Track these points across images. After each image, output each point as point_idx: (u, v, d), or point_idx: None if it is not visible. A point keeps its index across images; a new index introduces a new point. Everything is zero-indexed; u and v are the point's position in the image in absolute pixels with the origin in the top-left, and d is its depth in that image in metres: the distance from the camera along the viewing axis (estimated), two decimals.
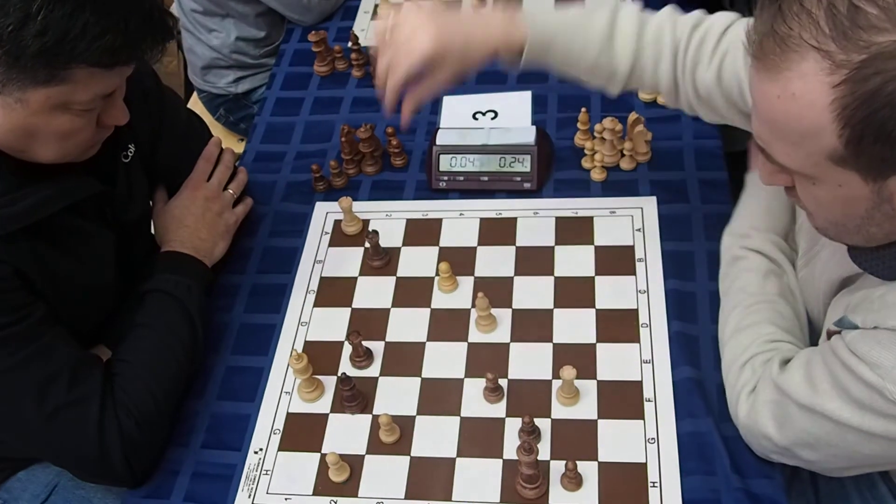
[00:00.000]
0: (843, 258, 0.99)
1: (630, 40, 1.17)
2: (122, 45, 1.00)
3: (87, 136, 1.11)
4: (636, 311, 1.30)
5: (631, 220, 1.43)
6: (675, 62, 1.17)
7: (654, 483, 1.12)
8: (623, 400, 1.21)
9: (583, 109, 1.54)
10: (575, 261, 1.38)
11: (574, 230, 1.43)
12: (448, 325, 1.33)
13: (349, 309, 1.38)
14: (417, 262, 1.43)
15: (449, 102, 1.69)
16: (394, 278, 1.41)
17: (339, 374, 1.25)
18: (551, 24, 1.17)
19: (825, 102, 0.77)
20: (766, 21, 0.81)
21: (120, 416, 1.16)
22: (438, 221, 1.49)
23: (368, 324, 1.35)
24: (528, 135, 1.51)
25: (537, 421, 1.18)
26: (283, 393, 1.29)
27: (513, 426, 1.20)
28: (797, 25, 0.78)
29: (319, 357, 1.30)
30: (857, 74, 0.74)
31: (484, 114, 1.66)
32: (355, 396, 1.25)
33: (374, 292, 1.40)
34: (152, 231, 1.46)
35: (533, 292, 1.35)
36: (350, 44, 1.79)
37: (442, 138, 1.54)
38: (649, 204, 1.45)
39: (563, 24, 1.17)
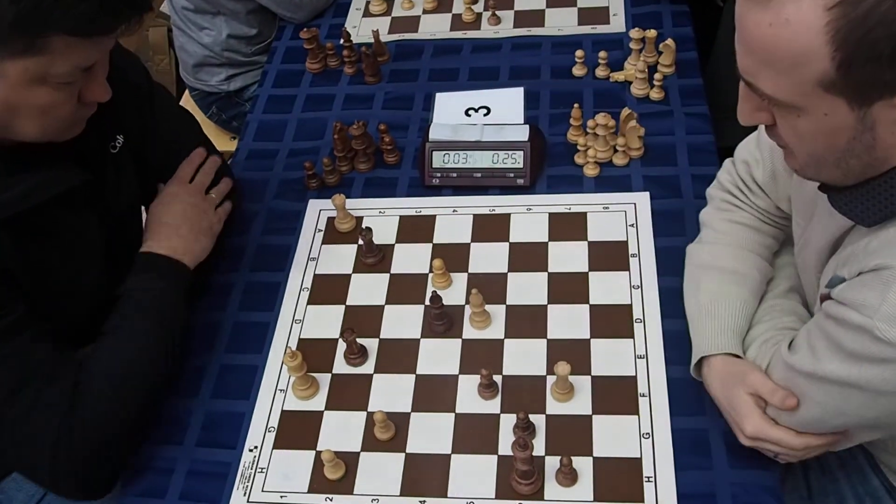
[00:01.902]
0: (828, 222, 1.00)
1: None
2: (98, 13, 0.99)
3: (68, 111, 1.10)
4: (630, 306, 1.31)
5: (624, 216, 1.43)
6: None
7: (648, 478, 1.12)
8: (617, 395, 1.21)
9: (575, 105, 1.55)
10: (568, 257, 1.39)
11: (567, 226, 1.43)
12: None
13: (343, 306, 1.38)
14: (411, 258, 1.43)
15: (441, 99, 1.69)
16: (387, 275, 1.41)
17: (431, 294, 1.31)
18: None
19: (820, 25, 0.78)
20: None
21: (76, 433, 1.13)
22: (432, 218, 1.49)
23: (362, 321, 1.35)
24: (520, 131, 1.51)
25: (532, 417, 1.18)
26: (277, 391, 1.29)
27: (507, 422, 1.20)
28: None
29: (313, 355, 1.30)
30: None
31: (476, 110, 1.66)
32: (442, 316, 1.29)
33: (367, 289, 1.40)
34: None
35: (527, 288, 1.35)
36: (342, 41, 1.79)
37: (435, 135, 1.54)
38: (642, 199, 1.45)
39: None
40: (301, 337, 1.35)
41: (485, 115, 1.64)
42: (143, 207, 1.45)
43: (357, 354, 1.30)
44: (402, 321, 1.35)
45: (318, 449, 1.22)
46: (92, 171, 1.22)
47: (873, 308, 0.88)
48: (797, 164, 0.96)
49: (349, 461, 1.19)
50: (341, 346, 1.32)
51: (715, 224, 1.27)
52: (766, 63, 0.85)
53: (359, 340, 1.30)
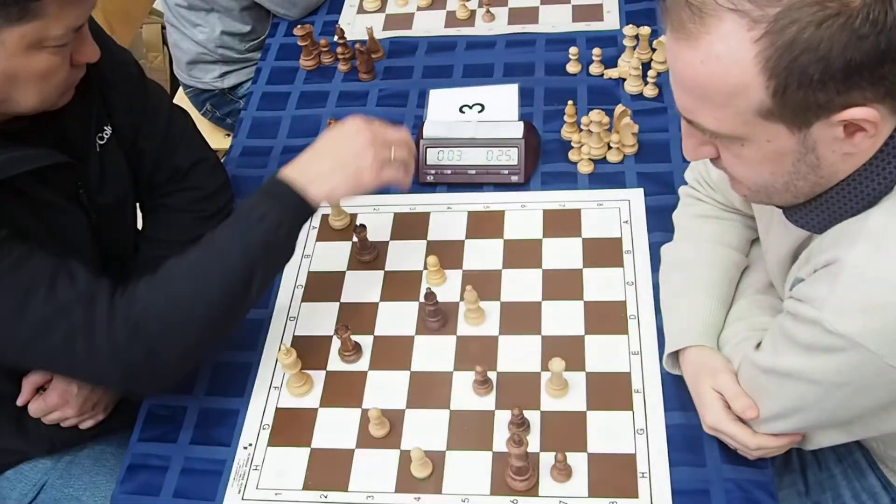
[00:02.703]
0: (786, 231, 1.02)
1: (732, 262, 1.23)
2: None
3: (63, 75, 1.10)
4: (624, 302, 1.31)
5: (618, 213, 1.43)
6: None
7: (643, 474, 1.12)
8: (612, 391, 1.21)
9: (569, 102, 1.54)
10: (563, 253, 1.39)
11: (562, 223, 1.43)
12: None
13: (337, 303, 1.38)
14: (405, 255, 1.43)
15: (436, 96, 1.69)
16: (382, 272, 1.41)
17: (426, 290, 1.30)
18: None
19: (749, 57, 0.80)
20: None
21: (116, 326, 1.09)
22: (426, 215, 1.48)
23: (357, 318, 1.35)
24: (515, 128, 1.51)
25: (527, 413, 1.18)
26: (271, 388, 1.29)
27: (502, 418, 1.20)
28: None
29: (308, 352, 1.30)
30: (775, 26, 0.78)
31: (471, 107, 1.66)
32: (437, 312, 1.29)
33: (362, 286, 1.40)
34: (139, 225, 1.45)
35: (521, 285, 1.35)
36: (336, 37, 1.79)
37: (429, 132, 1.54)
38: (636, 196, 1.45)
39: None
40: (295, 334, 1.35)
41: (479, 112, 1.64)
42: (137, 204, 1.45)
43: (351, 351, 1.30)
44: (397, 318, 1.35)
45: (312, 446, 1.21)
46: (74, 158, 1.21)
47: (823, 300, 0.89)
48: (746, 191, 0.98)
49: (344, 458, 1.19)
50: (336, 343, 1.32)
51: (681, 221, 1.30)
52: (703, 100, 0.87)
53: (353, 337, 1.30)
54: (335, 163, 1.22)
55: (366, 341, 1.32)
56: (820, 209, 0.93)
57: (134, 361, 1.11)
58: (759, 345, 1.06)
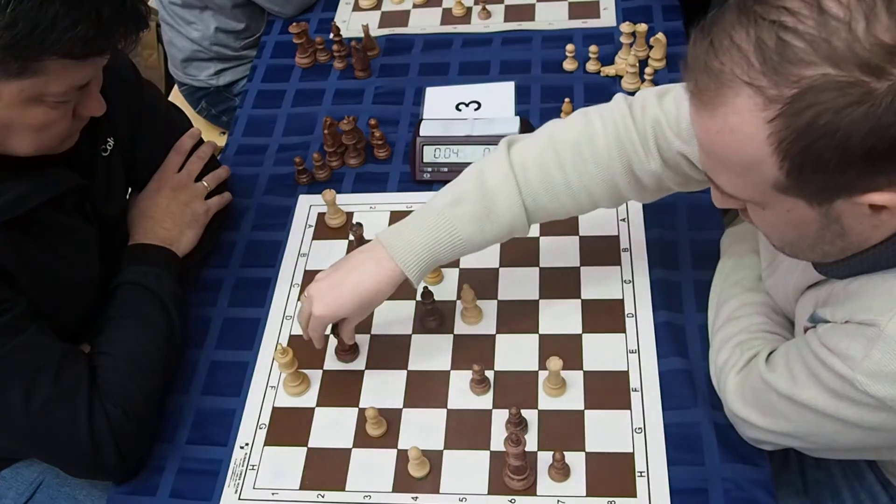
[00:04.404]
0: (807, 267, 1.01)
1: (514, 197, 1.16)
2: (94, 36, 0.98)
3: (63, 127, 1.10)
4: (622, 301, 1.30)
5: (615, 211, 1.43)
6: (593, 173, 1.17)
7: (641, 473, 1.12)
8: (610, 390, 1.21)
9: (566, 100, 1.54)
10: (560, 251, 1.38)
11: (558, 221, 1.42)
12: None
13: None
14: None
15: (432, 93, 1.69)
16: None
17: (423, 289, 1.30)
18: (421, 250, 1.16)
19: (762, 137, 0.78)
20: (699, 56, 0.81)
21: (107, 406, 1.15)
22: None
23: None
24: (511, 125, 1.51)
25: (524, 412, 1.18)
26: (268, 387, 1.29)
27: (500, 418, 1.20)
28: (729, 61, 0.78)
29: (304, 351, 1.29)
30: (791, 108, 0.75)
31: (467, 104, 1.65)
32: (434, 311, 1.29)
33: None
34: None
35: (518, 283, 1.35)
36: (332, 35, 1.78)
37: (425, 129, 1.53)
38: None
39: (432, 242, 1.16)
40: (292, 333, 1.35)
41: (475, 109, 1.64)
42: None
43: (348, 350, 1.29)
44: (394, 317, 1.34)
45: (309, 445, 1.21)
46: (83, 174, 1.21)
47: (856, 361, 0.88)
48: (775, 245, 0.97)
49: (341, 458, 1.19)
50: (332, 342, 1.31)
51: None
52: (720, 165, 0.86)
53: None
54: (173, 221, 1.37)
55: (362, 340, 1.32)
56: (850, 266, 0.91)
57: (128, 431, 1.17)
58: (768, 356, 1.05)
